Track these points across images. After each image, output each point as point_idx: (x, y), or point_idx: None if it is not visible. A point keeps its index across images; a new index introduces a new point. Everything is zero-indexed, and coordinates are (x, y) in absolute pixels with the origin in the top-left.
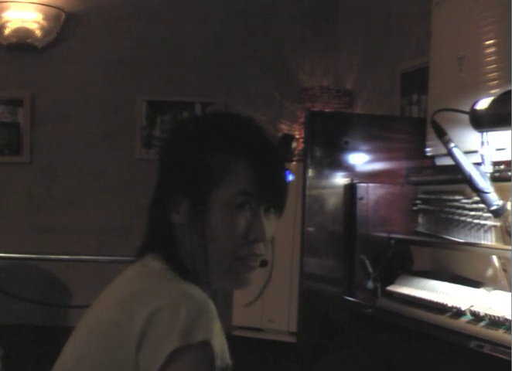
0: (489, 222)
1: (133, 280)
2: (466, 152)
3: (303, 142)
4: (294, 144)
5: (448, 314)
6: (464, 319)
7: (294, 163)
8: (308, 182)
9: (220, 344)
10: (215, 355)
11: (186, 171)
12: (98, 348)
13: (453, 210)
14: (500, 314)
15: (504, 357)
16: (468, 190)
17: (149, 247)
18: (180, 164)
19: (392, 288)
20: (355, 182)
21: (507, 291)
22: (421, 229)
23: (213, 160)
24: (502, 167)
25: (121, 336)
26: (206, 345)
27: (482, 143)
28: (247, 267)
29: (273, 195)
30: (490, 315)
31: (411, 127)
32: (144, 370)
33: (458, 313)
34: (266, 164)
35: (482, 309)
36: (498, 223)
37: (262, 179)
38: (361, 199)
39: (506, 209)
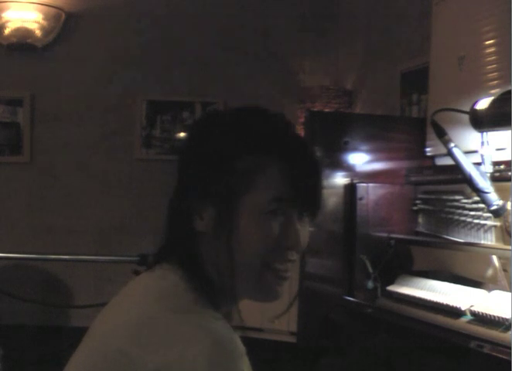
0: (489, 222)
1: (145, 301)
2: (466, 152)
3: None
4: None
5: (448, 314)
6: (464, 319)
7: None
8: None
9: None
10: None
11: (211, 174)
12: None
13: (453, 210)
14: (499, 314)
15: (504, 357)
16: (468, 190)
17: (167, 254)
18: (204, 165)
19: (392, 288)
20: (355, 182)
21: (507, 291)
22: (421, 229)
23: (242, 162)
24: (502, 167)
25: (131, 369)
26: None
27: (482, 143)
28: (278, 278)
29: (309, 199)
30: (490, 315)
31: (411, 127)
32: None
33: (458, 313)
34: (302, 165)
35: (482, 309)
36: (498, 223)
37: (297, 182)
38: (361, 199)
39: (506, 209)
